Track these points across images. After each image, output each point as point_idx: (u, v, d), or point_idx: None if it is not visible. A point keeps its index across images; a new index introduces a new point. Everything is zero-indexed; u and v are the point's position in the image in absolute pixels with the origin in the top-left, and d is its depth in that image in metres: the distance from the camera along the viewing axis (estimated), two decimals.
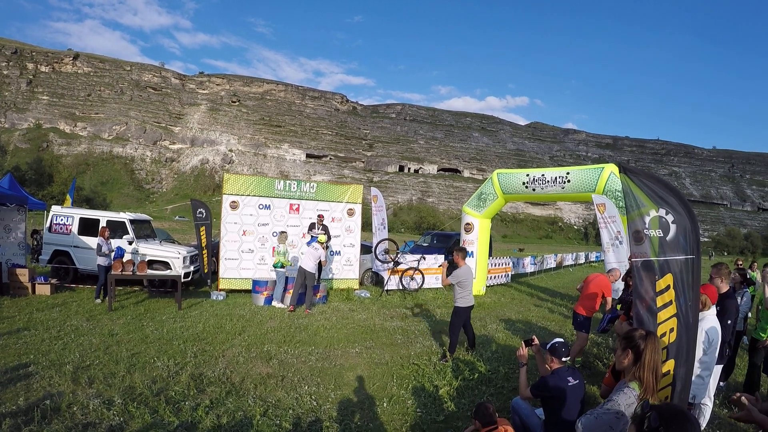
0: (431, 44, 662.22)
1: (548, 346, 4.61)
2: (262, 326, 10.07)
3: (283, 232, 13.40)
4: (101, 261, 11.91)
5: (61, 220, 14.24)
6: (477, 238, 16.17)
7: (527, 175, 14.88)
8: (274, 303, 12.41)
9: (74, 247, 14.03)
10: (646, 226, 4.11)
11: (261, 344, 8.64)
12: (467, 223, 16.39)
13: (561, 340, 4.65)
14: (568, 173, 13.84)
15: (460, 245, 15.76)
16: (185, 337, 8.84)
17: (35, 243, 18.34)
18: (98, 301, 11.77)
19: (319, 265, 13.99)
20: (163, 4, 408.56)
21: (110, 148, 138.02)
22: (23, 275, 12.52)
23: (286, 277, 12.81)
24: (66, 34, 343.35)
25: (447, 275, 8.47)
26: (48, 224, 14.39)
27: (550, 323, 12.15)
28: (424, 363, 7.86)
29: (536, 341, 4.98)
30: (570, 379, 4.36)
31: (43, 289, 12.55)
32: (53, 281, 12.99)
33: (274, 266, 12.53)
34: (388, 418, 5.76)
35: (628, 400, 3.36)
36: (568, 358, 4.62)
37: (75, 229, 14.05)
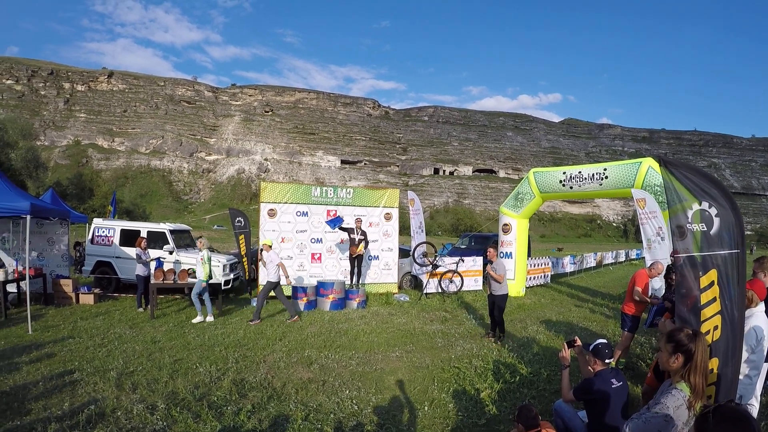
0: (460, 45, 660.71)
1: (591, 347, 4.50)
2: (302, 331, 10.11)
3: (200, 237, 13.07)
4: (140, 271, 12.16)
5: (103, 231, 14.69)
6: (515, 238, 15.93)
7: (564, 172, 14.62)
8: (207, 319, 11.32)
9: (116, 257, 14.40)
10: (689, 220, 3.94)
11: (301, 349, 8.66)
12: (505, 224, 16.17)
13: (604, 341, 4.52)
14: (605, 169, 13.57)
15: (499, 246, 15.99)
16: (226, 343, 8.94)
17: (78, 254, 18.92)
18: (140, 309, 12.03)
19: (359, 269, 14.06)
20: (193, 20, 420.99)
21: (148, 162, 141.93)
22: (67, 286, 12.92)
23: (324, 282, 12.89)
24: (100, 53, 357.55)
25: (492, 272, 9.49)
26: (90, 236, 14.87)
27: (592, 324, 11.86)
28: (465, 366, 7.75)
29: (579, 342, 4.83)
30: (614, 381, 4.26)
31: (87, 299, 12.93)
32: (96, 291, 13.38)
33: (203, 281, 11.31)
34: (429, 422, 5.69)
35: (676, 402, 3.18)
36: (612, 359, 4.50)
37: (116, 240, 14.45)
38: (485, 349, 8.79)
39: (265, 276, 11.47)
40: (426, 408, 6.05)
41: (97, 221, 15.14)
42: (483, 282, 16.63)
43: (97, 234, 14.70)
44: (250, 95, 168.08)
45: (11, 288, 12.40)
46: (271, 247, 11.59)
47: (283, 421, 5.56)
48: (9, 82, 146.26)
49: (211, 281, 12.84)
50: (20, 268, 11.92)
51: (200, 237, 13.31)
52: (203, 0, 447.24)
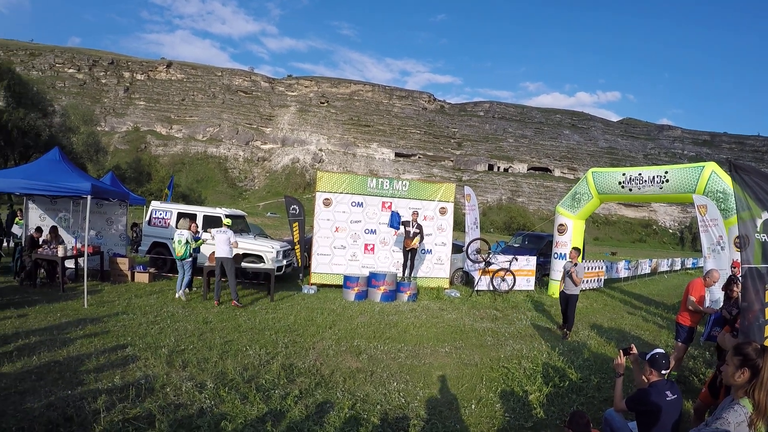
0: (517, 41, 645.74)
1: (648, 356, 4.27)
2: (352, 321, 10.11)
3: (186, 217, 12.92)
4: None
5: (160, 214, 15.15)
6: (570, 239, 15.46)
7: (623, 174, 14.11)
8: (177, 294, 11.57)
9: (172, 239, 14.73)
10: (757, 229, 3.69)
11: (351, 338, 8.65)
12: (561, 224, 15.70)
13: (662, 350, 4.28)
14: (666, 172, 13.04)
15: (554, 246, 15.81)
16: (277, 328, 9.02)
17: (135, 235, 19.59)
18: (179, 294, 11.65)
19: (412, 262, 13.92)
20: (249, 13, 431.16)
21: (204, 149, 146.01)
22: (123, 264, 13.44)
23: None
24: (159, 44, 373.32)
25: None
26: (147, 218, 15.36)
27: (644, 332, 11.37)
28: (514, 367, 7.55)
29: (635, 350, 4.61)
30: (668, 393, 4.04)
31: (142, 278, 13.38)
32: (151, 270, 13.84)
33: (179, 258, 11.67)
34: (475, 420, 5.58)
35: (738, 418, 3.09)
36: (668, 371, 4.26)
37: (173, 222, 14.80)
38: (535, 351, 8.61)
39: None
40: (473, 406, 5.94)
41: (154, 204, 15.64)
42: (535, 282, 16.34)
43: (154, 216, 15.18)
44: (305, 86, 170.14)
45: (70, 264, 12.90)
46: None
47: (329, 408, 5.54)
48: (71, 71, 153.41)
49: (264, 267, 13.05)
50: (79, 245, 12.36)
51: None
52: None
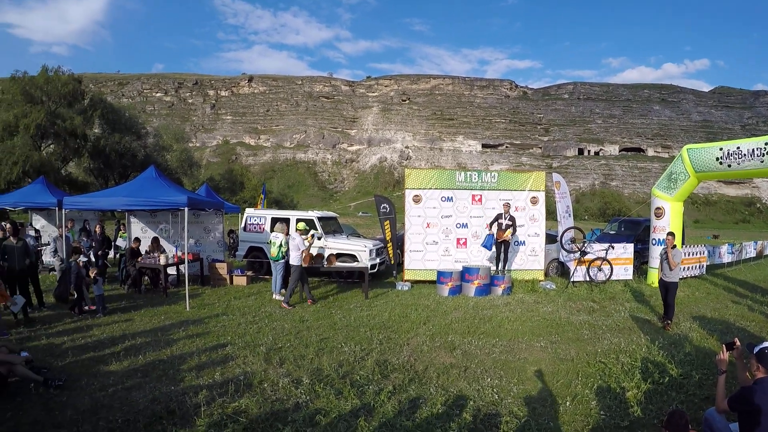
0: (594, 14, 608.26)
1: (756, 350, 3.89)
2: (446, 316, 10.05)
3: (282, 221, 13.12)
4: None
5: (255, 220, 15.78)
6: (668, 223, 14.43)
7: (720, 149, 13.00)
8: (274, 295, 12.05)
9: (267, 243, 15.30)
10: None
11: (445, 334, 8.60)
12: (657, 208, 14.72)
13: None
14: (767, 143, 11.87)
15: (651, 232, 15.02)
16: (371, 325, 9.12)
17: (231, 241, 20.53)
18: (276, 295, 12.13)
19: (506, 255, 13.64)
20: (321, 21, 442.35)
21: (293, 155, 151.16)
22: (222, 268, 14.16)
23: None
24: (238, 60, 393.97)
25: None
26: (243, 224, 16.05)
27: (750, 323, 10.35)
28: (611, 362, 7.17)
29: (738, 344, 4.24)
30: None
31: (240, 281, 14.04)
32: (249, 273, 14.46)
33: (273, 259, 12.11)
34: (569, 418, 5.36)
35: None
36: None
37: (267, 227, 15.33)
38: (634, 345, 8.15)
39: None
40: (567, 403, 5.71)
41: (249, 211, 16.38)
42: (633, 271, 15.49)
43: (249, 222, 15.84)
44: (386, 86, 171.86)
45: (172, 271, 13.71)
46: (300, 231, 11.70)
47: (422, 404, 5.52)
48: (159, 94, 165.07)
49: (358, 266, 13.23)
50: (180, 253, 13.15)
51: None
52: (328, 0, 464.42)
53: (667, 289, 9.71)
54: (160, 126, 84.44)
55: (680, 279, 15.17)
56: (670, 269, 9.59)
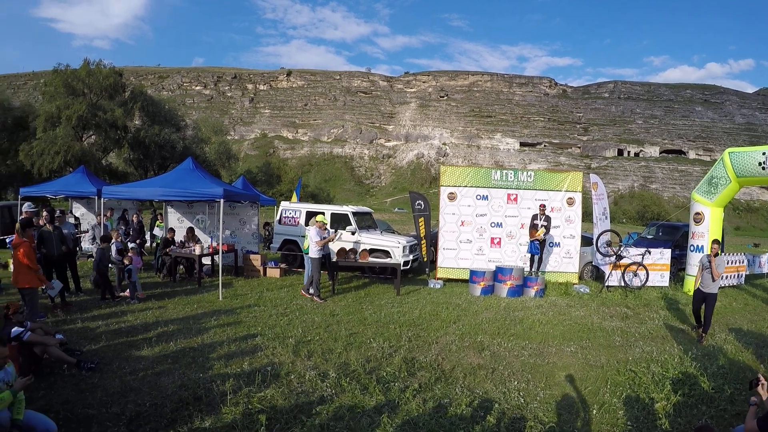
0: (635, 11, 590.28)
1: None
2: (477, 316, 10.00)
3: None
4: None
5: (290, 213, 15.92)
6: (708, 229, 13.99)
7: (764, 153, 12.57)
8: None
9: (301, 236, 15.47)
10: None
11: (475, 334, 8.56)
12: (697, 213, 14.28)
13: None
14: None
15: (690, 237, 14.60)
16: (401, 322, 9.14)
17: (267, 233, 20.79)
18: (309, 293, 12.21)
19: (540, 256, 13.54)
20: (359, 16, 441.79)
21: (330, 150, 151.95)
22: (256, 260, 14.38)
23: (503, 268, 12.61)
24: (276, 55, 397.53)
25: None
26: (278, 217, 16.26)
27: None
28: (642, 371, 7.00)
29: (763, 381, 4.10)
30: None
31: (273, 273, 14.24)
32: (282, 266, 14.67)
33: (306, 252, 12.09)
34: (595, 426, 5.31)
35: None
36: None
37: (302, 221, 15.50)
38: (666, 354, 7.94)
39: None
40: (594, 411, 5.65)
41: (284, 204, 16.54)
42: (670, 278, 15.06)
43: (284, 215, 16.02)
44: (423, 82, 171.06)
45: (206, 261, 13.93)
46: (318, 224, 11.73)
47: (447, 403, 5.52)
48: (198, 88, 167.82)
49: (390, 262, 13.28)
50: (215, 244, 13.36)
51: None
52: None
53: (705, 300, 9.28)
54: (199, 119, 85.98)
55: (719, 288, 14.80)
56: (713, 279, 9.14)
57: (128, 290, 10.50)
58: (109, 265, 10.91)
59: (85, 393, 5.38)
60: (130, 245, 11.97)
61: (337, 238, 12.73)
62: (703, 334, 9.20)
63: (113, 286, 10.78)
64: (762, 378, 4.16)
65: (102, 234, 12.30)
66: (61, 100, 41.37)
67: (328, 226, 12.28)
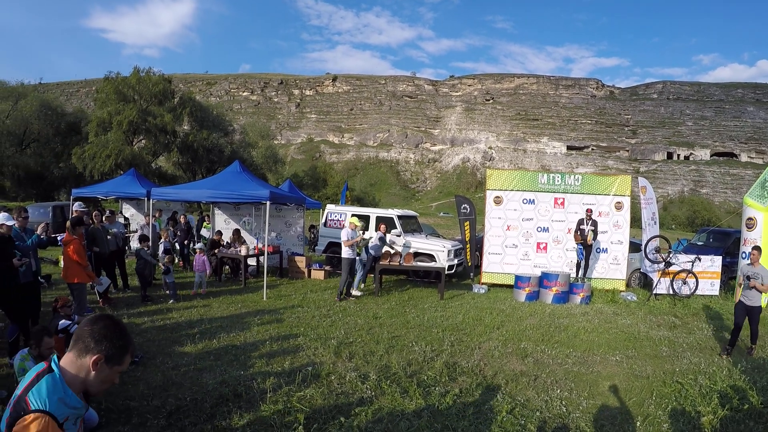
0: (683, 7, 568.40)
1: None
2: (521, 322, 9.87)
3: (362, 219, 13.54)
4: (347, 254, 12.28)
5: (335, 216, 16.01)
6: (761, 236, 13.31)
7: None
8: (352, 291, 12.23)
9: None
10: None
11: (518, 340, 8.43)
12: (749, 218, 13.58)
13: None
14: None
15: (741, 244, 13.72)
16: (444, 326, 9.08)
17: (312, 236, 21.01)
18: (354, 292, 12.32)
19: (587, 262, 13.31)
20: (404, 20, 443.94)
21: (376, 154, 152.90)
22: (300, 262, 14.59)
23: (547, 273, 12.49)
24: (322, 60, 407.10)
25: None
26: (324, 220, 16.39)
27: None
28: (689, 383, 6.71)
29: None
30: None
31: (318, 274, 14.43)
32: (327, 268, 14.84)
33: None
34: None
35: None
36: None
37: (358, 223, 15.57)
38: (714, 367, 7.58)
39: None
40: (638, 423, 5.43)
41: (330, 207, 16.68)
42: (720, 286, 14.45)
43: (330, 218, 16.14)
44: (469, 85, 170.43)
45: (252, 262, 14.22)
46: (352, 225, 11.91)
47: (488, 410, 5.42)
48: (245, 94, 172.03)
49: (435, 266, 13.23)
50: (260, 245, 13.59)
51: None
52: None
53: (749, 314, 8.61)
54: (246, 123, 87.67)
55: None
56: (759, 291, 8.44)
57: (167, 290, 10.77)
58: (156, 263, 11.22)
59: (127, 385, 5.50)
60: (197, 246, 12.29)
61: (363, 241, 12.73)
62: (753, 346, 8.69)
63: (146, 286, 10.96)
64: None
65: (152, 234, 12.69)
66: (112, 106, 42.96)
67: (358, 227, 12.32)
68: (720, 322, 11.00)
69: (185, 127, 50.57)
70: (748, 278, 8.46)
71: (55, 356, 1.97)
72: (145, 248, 11.12)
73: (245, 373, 6.02)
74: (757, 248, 9.07)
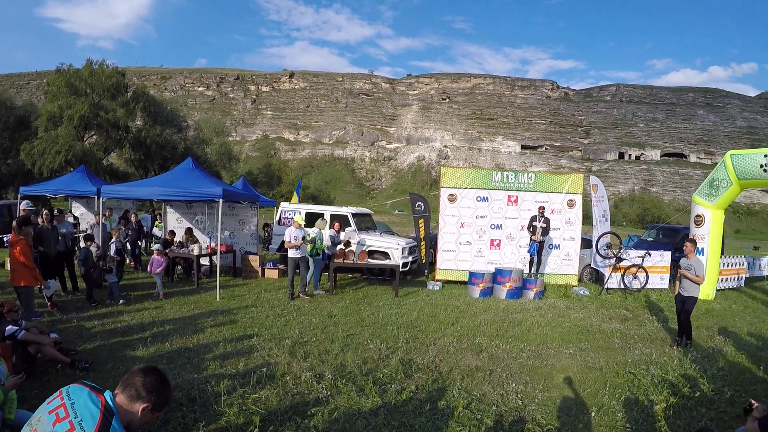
0: (639, 14, 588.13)
1: None
2: (475, 318, 9.97)
3: (320, 217, 13.63)
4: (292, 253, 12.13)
5: (289, 214, 15.82)
6: (708, 232, 13.99)
7: (765, 155, 12.57)
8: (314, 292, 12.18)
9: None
10: None
11: (473, 336, 8.52)
12: (697, 215, 14.26)
13: None
14: None
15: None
16: (399, 324, 9.10)
17: (266, 234, 20.76)
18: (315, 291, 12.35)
19: (539, 258, 13.61)
20: (363, 17, 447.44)
21: (331, 151, 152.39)
22: (254, 261, 14.38)
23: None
24: (280, 56, 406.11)
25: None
26: (277, 218, 16.22)
27: None
28: (641, 373, 6.97)
29: (755, 405, 4.00)
30: None
31: (272, 273, 14.24)
32: (281, 267, 14.55)
33: (308, 254, 12.12)
34: (594, 429, 5.26)
35: None
36: None
37: (302, 222, 15.44)
38: (665, 357, 7.91)
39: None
40: (593, 413, 5.59)
41: (284, 205, 16.55)
42: (670, 280, 15.00)
43: (284, 216, 15.97)
44: (426, 84, 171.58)
45: (205, 261, 13.92)
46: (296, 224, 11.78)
47: (444, 406, 5.48)
48: (200, 89, 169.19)
49: (389, 263, 13.24)
50: (213, 244, 13.32)
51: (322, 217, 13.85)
52: None
53: (683, 304, 8.89)
54: (201, 119, 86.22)
55: (717, 290, 14.75)
56: (696, 285, 8.77)
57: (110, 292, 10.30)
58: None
59: None
60: (154, 246, 11.90)
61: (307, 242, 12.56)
62: (688, 342, 8.84)
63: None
64: (754, 402, 4.13)
65: (102, 233, 12.30)
66: (63, 99, 41.36)
67: (303, 226, 12.17)
68: (670, 315, 11.35)
69: (138, 123, 49.17)
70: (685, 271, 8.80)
71: (109, 395, 2.29)
72: (94, 248, 10.78)
73: (199, 376, 5.90)
74: (692, 241, 9.53)
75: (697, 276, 8.63)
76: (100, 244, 11.78)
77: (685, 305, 8.83)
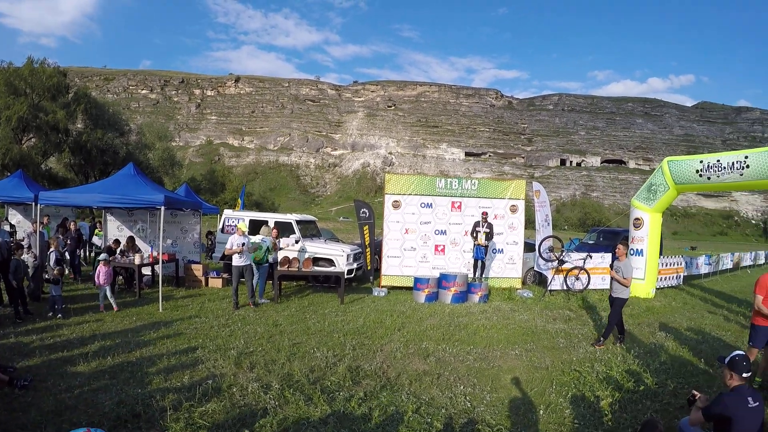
0: (582, 27, 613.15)
1: (727, 359, 4.11)
2: (421, 323, 10.05)
3: (265, 225, 13.68)
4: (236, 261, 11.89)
5: (233, 221, 15.47)
6: (647, 234, 14.74)
7: (701, 161, 13.34)
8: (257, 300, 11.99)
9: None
10: None
11: (419, 341, 8.59)
12: (636, 218, 14.97)
13: (742, 353, 4.12)
14: (746, 157, 12.18)
15: (629, 242, 15.00)
16: (345, 331, 9.10)
17: (209, 242, 20.30)
18: (261, 300, 12.12)
19: (483, 262, 13.77)
20: (312, 23, 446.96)
21: (276, 158, 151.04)
22: (197, 270, 14.03)
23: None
24: (226, 60, 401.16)
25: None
26: (221, 226, 15.81)
27: (726, 333, 10.59)
28: (586, 370, 7.23)
29: (698, 396, 4.34)
30: (750, 400, 3.85)
31: (216, 283, 13.94)
32: (225, 276, 14.23)
33: (255, 263, 12.11)
34: (543, 426, 5.42)
35: None
36: (749, 374, 4.05)
37: (245, 229, 15.20)
38: (609, 354, 8.25)
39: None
40: (541, 411, 5.77)
41: (227, 212, 16.15)
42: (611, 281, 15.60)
43: (227, 224, 15.58)
44: (372, 91, 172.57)
45: (146, 271, 13.52)
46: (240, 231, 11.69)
47: (394, 411, 5.51)
48: (144, 91, 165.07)
49: (334, 270, 13.20)
50: (155, 253, 12.94)
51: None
52: (320, 3, 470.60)
53: (611, 304, 9.18)
54: (144, 124, 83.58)
55: (657, 289, 15.42)
56: (625, 287, 8.94)
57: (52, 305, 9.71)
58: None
59: (17, 413, 5.10)
60: (101, 257, 11.36)
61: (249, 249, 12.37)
62: (621, 336, 9.16)
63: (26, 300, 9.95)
64: (696, 393, 4.37)
65: (39, 242, 11.76)
66: (1, 99, 39.48)
67: (247, 233, 12.02)
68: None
69: (79, 126, 47.27)
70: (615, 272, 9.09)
71: None
72: (31, 257, 10.32)
73: (143, 391, 5.72)
74: (624, 244, 9.72)
75: (624, 278, 8.88)
76: (38, 254, 11.28)
77: (613, 305, 9.09)
